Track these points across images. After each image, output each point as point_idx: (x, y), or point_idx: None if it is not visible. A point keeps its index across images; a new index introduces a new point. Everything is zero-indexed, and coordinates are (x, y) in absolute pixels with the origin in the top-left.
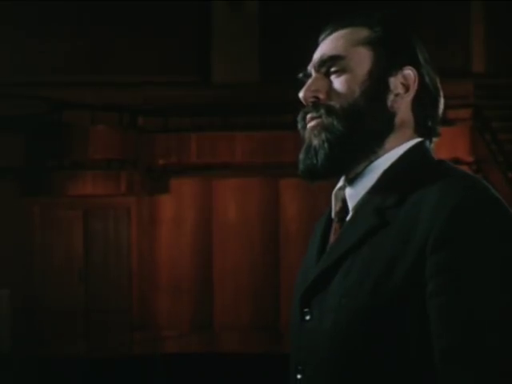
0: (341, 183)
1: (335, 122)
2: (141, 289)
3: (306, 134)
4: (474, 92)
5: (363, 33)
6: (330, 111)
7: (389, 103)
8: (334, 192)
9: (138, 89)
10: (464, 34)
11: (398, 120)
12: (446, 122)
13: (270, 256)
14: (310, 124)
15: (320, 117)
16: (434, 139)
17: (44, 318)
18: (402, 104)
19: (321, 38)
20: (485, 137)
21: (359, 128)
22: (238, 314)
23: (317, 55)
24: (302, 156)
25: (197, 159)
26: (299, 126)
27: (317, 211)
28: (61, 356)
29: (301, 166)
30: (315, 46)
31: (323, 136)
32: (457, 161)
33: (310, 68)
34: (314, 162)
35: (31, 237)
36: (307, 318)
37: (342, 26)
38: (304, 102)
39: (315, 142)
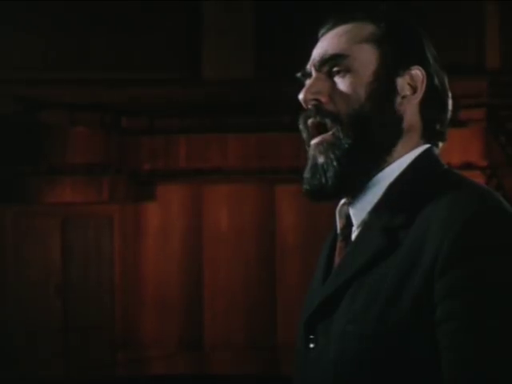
0: (344, 199)
1: (341, 135)
2: (124, 305)
3: (311, 151)
4: (488, 90)
5: (368, 29)
6: (334, 119)
7: (396, 106)
8: (338, 207)
9: (121, 87)
10: (477, 27)
11: (405, 125)
12: (458, 123)
13: (265, 269)
14: (315, 140)
15: (324, 126)
16: (441, 144)
17: (17, 336)
18: (408, 107)
19: (321, 33)
20: (500, 139)
21: (368, 138)
22: (231, 333)
23: (317, 52)
24: (307, 175)
25: (186, 163)
26: (303, 135)
27: (317, 221)
28: (36, 379)
29: (306, 187)
30: (315, 41)
31: (331, 153)
32: (469, 165)
33: (310, 67)
34: (323, 181)
35: (3, 248)
36: (312, 345)
37: (345, 21)
38: (304, 105)
39: (321, 159)
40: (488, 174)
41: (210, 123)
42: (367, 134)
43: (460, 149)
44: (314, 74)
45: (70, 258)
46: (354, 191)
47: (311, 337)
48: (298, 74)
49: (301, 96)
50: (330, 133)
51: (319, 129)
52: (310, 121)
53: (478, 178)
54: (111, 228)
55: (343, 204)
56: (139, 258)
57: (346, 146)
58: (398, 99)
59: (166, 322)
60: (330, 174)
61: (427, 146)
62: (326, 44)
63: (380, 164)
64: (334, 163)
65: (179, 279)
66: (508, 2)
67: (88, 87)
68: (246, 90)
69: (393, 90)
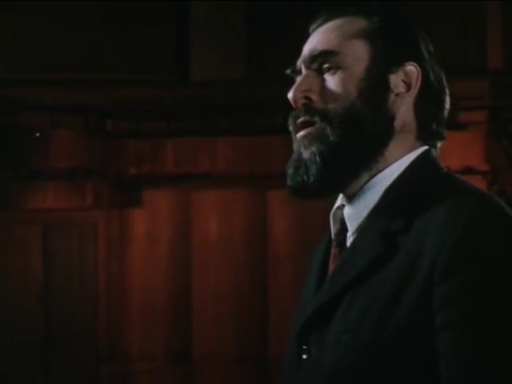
0: (339, 202)
1: (329, 131)
2: (109, 316)
3: (295, 145)
4: (490, 91)
5: (360, 23)
6: (323, 117)
7: (388, 104)
8: (332, 212)
9: (106, 88)
10: (479, 27)
11: (397, 123)
12: (459, 125)
13: (256, 278)
14: (300, 133)
15: (313, 124)
16: (439, 143)
17: None
18: (402, 105)
19: (312, 28)
20: (502, 142)
21: (357, 136)
22: (220, 345)
23: (307, 48)
24: (290, 171)
25: (173, 168)
26: (292, 135)
27: (310, 228)
28: None
29: (289, 183)
30: (306, 37)
31: (314, 147)
32: (470, 170)
33: (300, 63)
34: (305, 178)
35: None
36: (304, 356)
37: (336, 16)
38: (293, 104)
39: (306, 154)
40: (489, 179)
41: (199, 126)
42: (356, 131)
43: (460, 152)
44: (303, 71)
45: (51, 267)
46: (345, 192)
47: (304, 347)
48: (288, 71)
49: (290, 95)
50: (317, 126)
51: (307, 126)
52: (299, 120)
53: (479, 183)
54: (95, 235)
55: (337, 208)
56: (125, 266)
57: (332, 142)
58: (391, 97)
59: (152, 334)
60: (312, 170)
61: (425, 148)
62: (316, 40)
63: (370, 164)
64: (317, 158)
65: (166, 289)
66: (510, 2)
67: (71, 88)
68: (236, 91)
69: (385, 87)
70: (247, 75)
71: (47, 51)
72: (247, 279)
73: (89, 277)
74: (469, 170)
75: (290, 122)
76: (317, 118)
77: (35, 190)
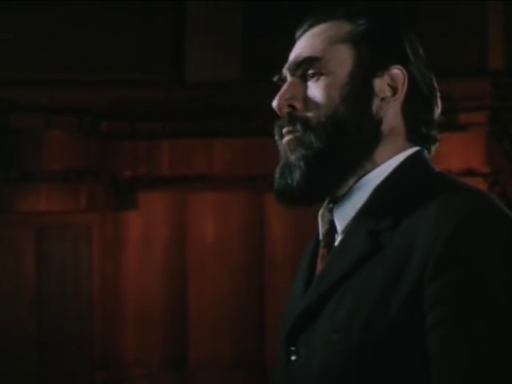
0: (327, 202)
1: (313, 138)
2: (103, 321)
3: (282, 150)
4: (491, 92)
5: (344, 28)
6: (306, 126)
7: (374, 109)
8: (320, 212)
9: (101, 89)
10: (479, 26)
11: (385, 127)
12: (459, 127)
13: (253, 282)
14: (285, 138)
15: (297, 132)
16: (433, 146)
17: None
18: (388, 109)
19: (298, 34)
20: (503, 144)
21: (341, 142)
22: (217, 350)
23: (292, 55)
24: (277, 175)
25: (169, 170)
26: (278, 144)
27: (307, 230)
28: None
29: (275, 187)
30: (293, 43)
31: (299, 152)
32: (471, 172)
33: (285, 71)
34: (289, 182)
35: None
36: (293, 358)
37: (322, 20)
38: (279, 113)
39: (291, 158)
40: (490, 181)
41: (195, 127)
42: (340, 138)
43: (461, 154)
44: (288, 78)
45: (45, 271)
46: (328, 196)
47: (292, 348)
48: (275, 78)
49: (274, 103)
50: (301, 131)
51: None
52: (283, 130)
53: (479, 185)
54: (89, 239)
55: (326, 208)
56: (119, 270)
57: (316, 148)
58: (376, 101)
59: (148, 339)
60: (295, 175)
61: (416, 148)
62: (301, 46)
63: (357, 169)
64: (301, 163)
65: (162, 293)
66: (511, 2)
67: (66, 89)
68: (234, 92)
69: (370, 92)
70: (245, 76)
71: (42, 52)
72: (244, 282)
73: (83, 280)
74: (469, 172)
75: (276, 131)
76: (299, 127)
77: (28, 192)
